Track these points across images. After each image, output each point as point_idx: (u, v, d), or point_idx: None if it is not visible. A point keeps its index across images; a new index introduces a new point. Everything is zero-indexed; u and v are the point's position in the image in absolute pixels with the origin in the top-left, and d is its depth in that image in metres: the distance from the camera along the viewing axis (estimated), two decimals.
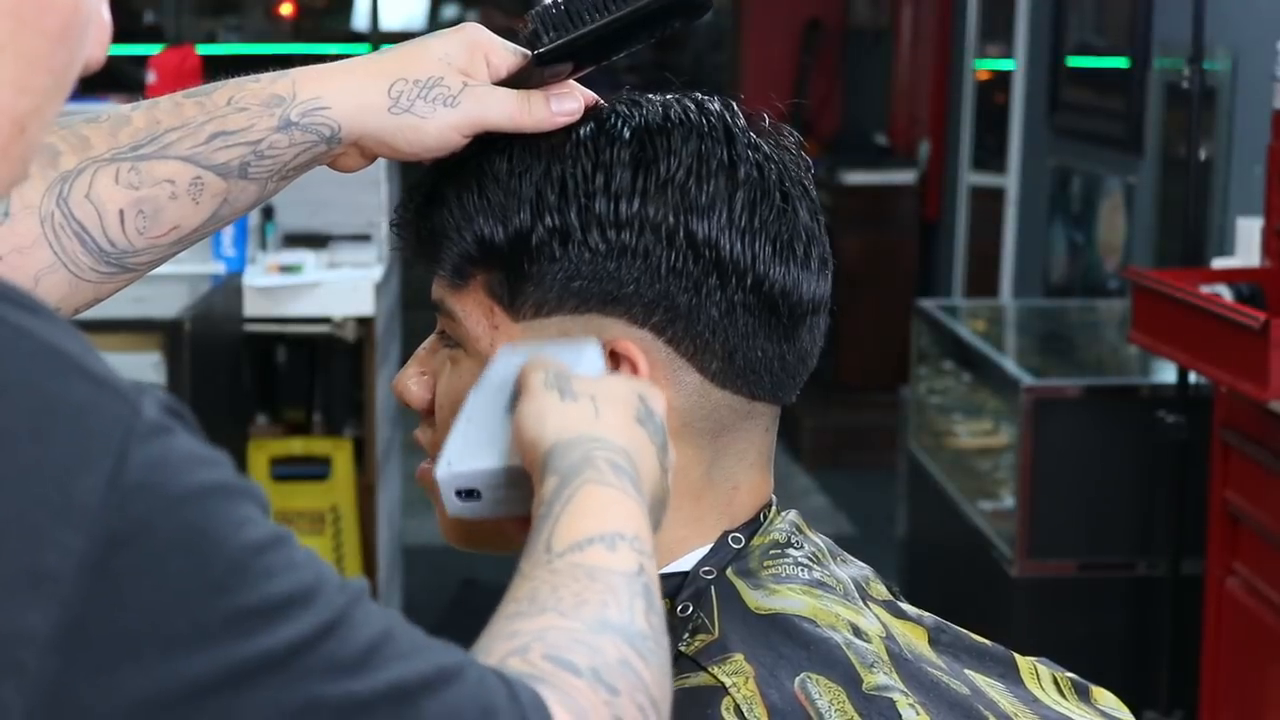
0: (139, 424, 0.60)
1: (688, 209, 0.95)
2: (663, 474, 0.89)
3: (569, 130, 0.98)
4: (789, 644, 0.94)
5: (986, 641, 1.08)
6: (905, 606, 1.06)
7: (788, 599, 0.97)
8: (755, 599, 0.97)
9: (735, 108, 1.02)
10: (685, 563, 0.99)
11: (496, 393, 0.94)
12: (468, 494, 0.91)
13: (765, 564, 0.99)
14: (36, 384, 0.59)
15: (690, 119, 0.99)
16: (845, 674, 0.93)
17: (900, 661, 0.98)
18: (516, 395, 0.91)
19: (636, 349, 0.96)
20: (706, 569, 0.99)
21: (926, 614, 1.07)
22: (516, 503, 0.91)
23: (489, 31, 1.01)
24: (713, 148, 0.97)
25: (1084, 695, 1.09)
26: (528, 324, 0.97)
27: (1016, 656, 1.08)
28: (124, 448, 0.59)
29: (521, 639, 0.74)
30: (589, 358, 0.94)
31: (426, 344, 1.04)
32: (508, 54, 1.00)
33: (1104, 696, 1.10)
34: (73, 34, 0.69)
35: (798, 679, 0.92)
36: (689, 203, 0.95)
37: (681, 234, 0.95)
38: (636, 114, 0.99)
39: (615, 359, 0.96)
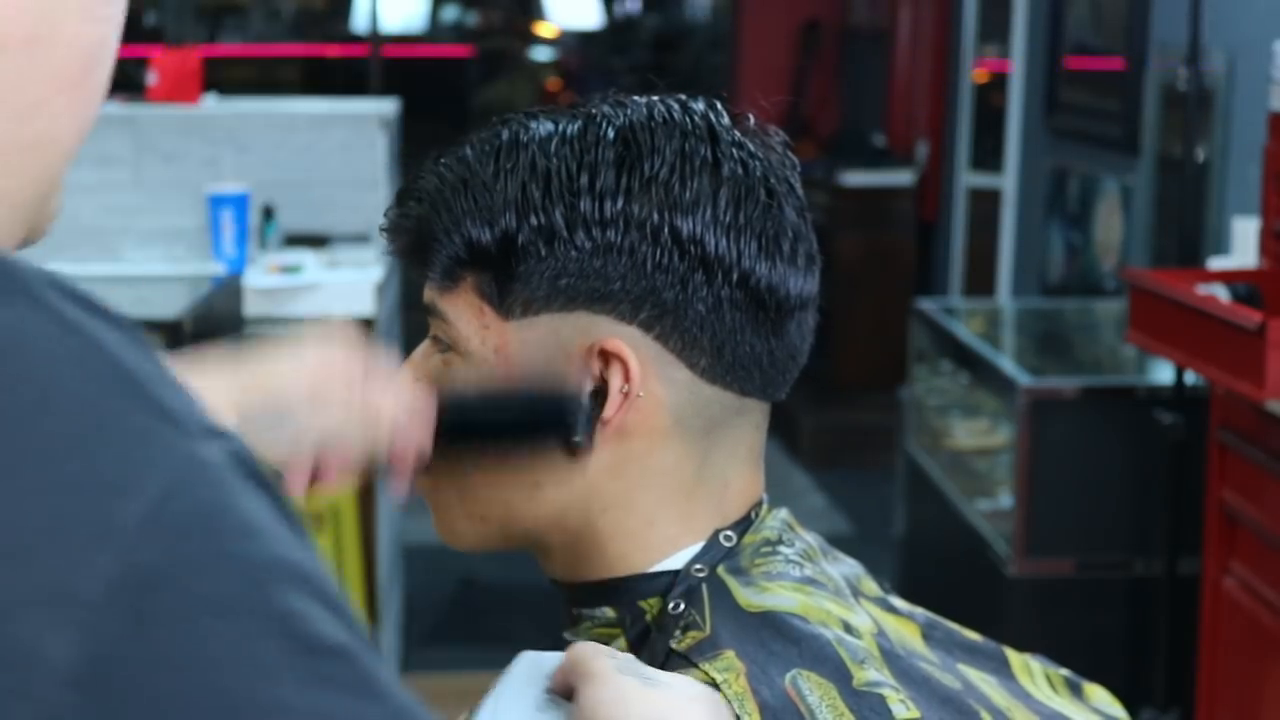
0: (195, 464, 0.54)
1: (672, 206, 0.96)
2: None
3: (554, 131, 0.99)
4: (780, 641, 0.95)
5: (978, 637, 1.09)
6: (897, 603, 1.07)
7: (779, 596, 0.97)
8: (746, 596, 0.97)
9: (720, 107, 1.03)
10: (677, 560, 1.00)
11: (523, 688, 0.90)
12: None
13: (756, 562, 1.00)
14: (92, 399, 0.54)
15: (674, 118, 1.00)
16: (836, 670, 0.94)
17: (892, 658, 0.99)
18: (559, 691, 0.89)
19: (625, 346, 0.97)
20: (698, 567, 0.99)
21: (918, 610, 1.08)
22: None
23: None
24: (696, 146, 0.98)
25: (1076, 692, 1.10)
26: (517, 322, 0.98)
27: (1008, 652, 1.09)
28: (174, 483, 0.54)
29: None
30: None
31: (420, 350, 1.05)
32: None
33: (1096, 693, 1.11)
34: None
35: (789, 675, 0.93)
36: (673, 200, 0.96)
37: (666, 231, 0.96)
38: (621, 114, 1.00)
39: (605, 357, 0.97)
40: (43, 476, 0.52)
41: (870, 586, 1.07)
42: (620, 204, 0.96)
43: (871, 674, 0.94)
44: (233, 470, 0.55)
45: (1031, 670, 1.09)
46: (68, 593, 0.51)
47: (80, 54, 0.64)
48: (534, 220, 0.97)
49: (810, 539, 1.05)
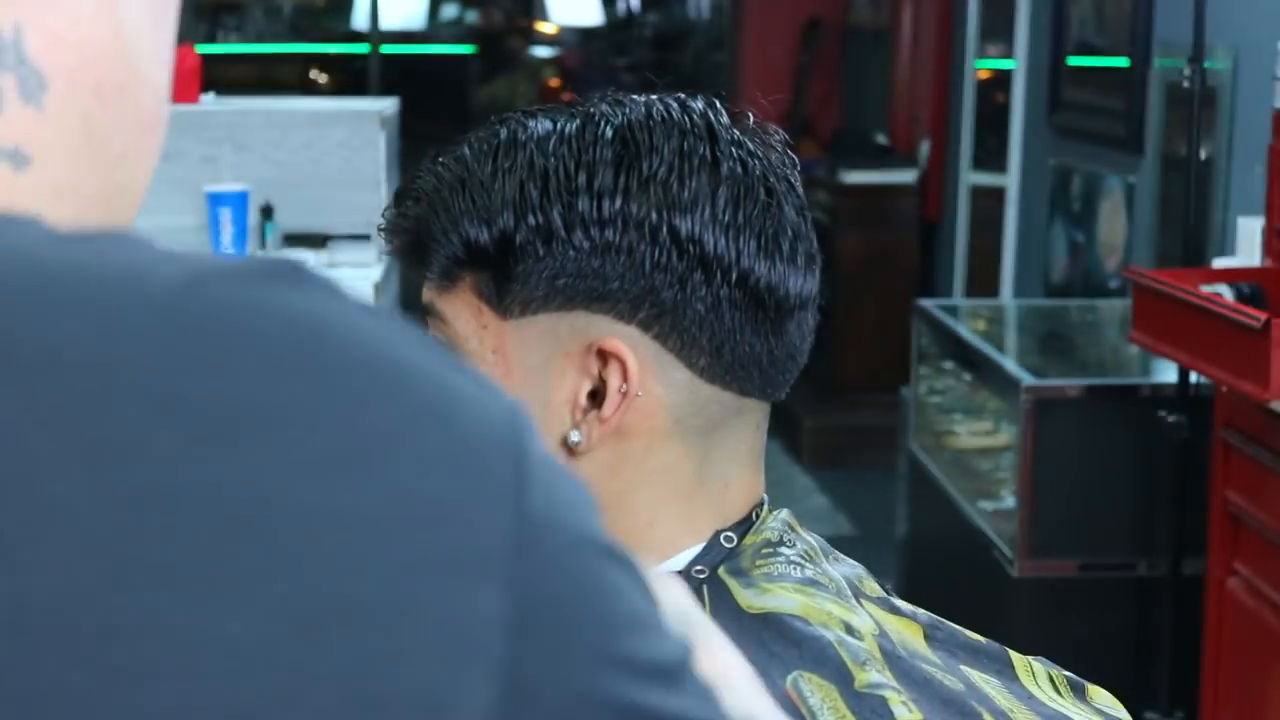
0: (523, 417, 0.59)
1: (670, 205, 0.96)
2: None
3: (552, 130, 0.99)
4: (781, 643, 0.95)
5: (981, 638, 1.08)
6: (899, 603, 1.07)
7: (780, 598, 0.97)
8: (747, 598, 0.97)
9: (719, 106, 1.02)
10: (677, 562, 1.00)
11: None
12: None
13: (757, 563, 1.00)
14: (434, 373, 0.57)
15: (673, 117, 0.99)
16: (837, 672, 0.94)
17: (893, 659, 0.98)
18: None
19: (624, 346, 0.96)
20: (699, 568, 0.99)
21: (920, 611, 1.07)
22: None
23: None
24: (695, 145, 0.98)
25: (1080, 693, 1.09)
26: (515, 322, 0.98)
27: (1011, 653, 1.08)
28: (520, 436, 0.58)
29: None
30: None
31: None
32: None
33: (1100, 694, 1.10)
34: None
35: (790, 677, 0.93)
36: (671, 199, 0.96)
37: (665, 230, 0.96)
38: (619, 113, 1.00)
39: (603, 356, 0.97)
40: (426, 446, 0.55)
41: (872, 587, 1.07)
42: (618, 203, 0.96)
43: (873, 676, 0.94)
44: (532, 420, 0.60)
45: (1035, 672, 1.08)
46: (478, 550, 0.55)
47: (155, 98, 0.66)
48: (532, 220, 0.96)
49: (811, 540, 1.05)
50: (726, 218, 0.97)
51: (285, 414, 0.54)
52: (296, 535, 0.53)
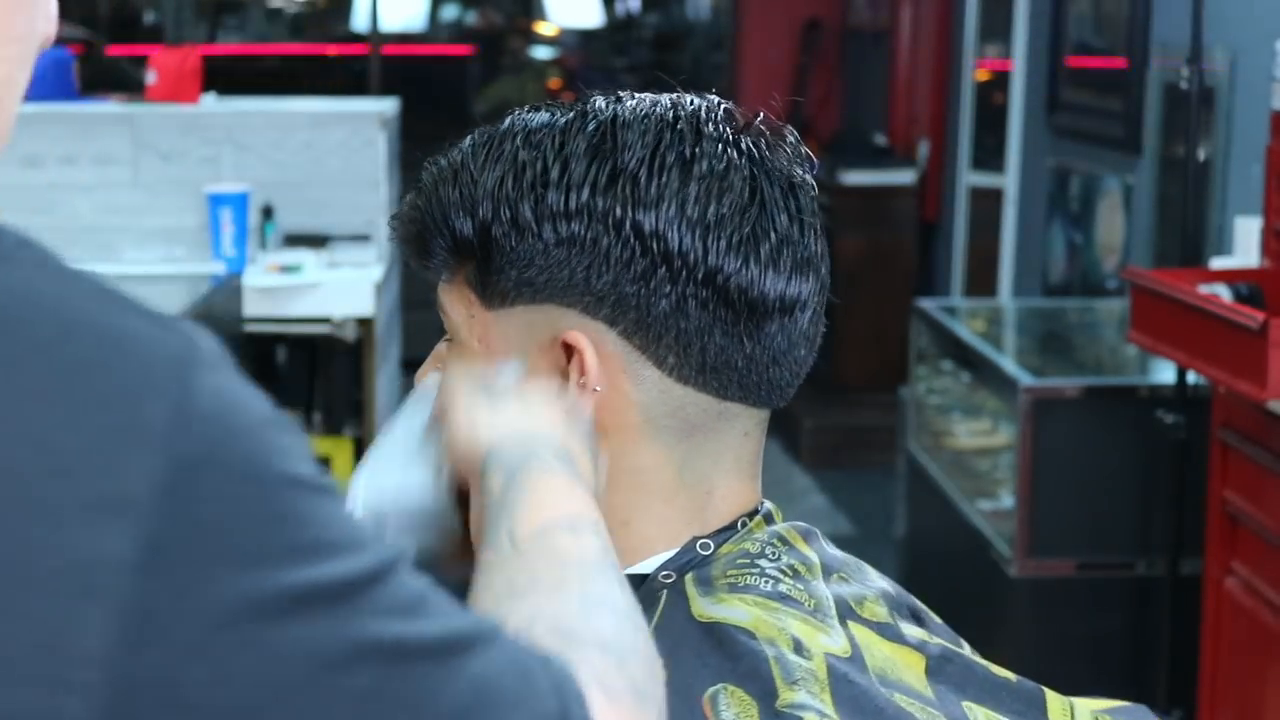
0: (199, 354, 0.62)
1: (636, 201, 0.96)
2: (593, 470, 0.92)
3: (543, 124, 1.00)
4: (718, 654, 0.93)
5: (1012, 676, 1.04)
6: (909, 632, 1.02)
7: (733, 609, 0.95)
8: (701, 606, 0.95)
9: (718, 105, 1.02)
10: (648, 565, 0.99)
11: (413, 412, 0.98)
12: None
13: (728, 573, 0.98)
14: (99, 320, 0.61)
15: (658, 114, 0.99)
16: (762, 688, 0.91)
17: (841, 683, 0.94)
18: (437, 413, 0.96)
19: (585, 340, 0.96)
20: (666, 574, 0.98)
21: (936, 643, 1.03)
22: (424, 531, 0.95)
23: None
24: (673, 142, 0.97)
25: None
26: (496, 313, 0.99)
27: (1049, 694, 1.04)
28: (187, 376, 0.61)
29: (519, 619, 0.75)
30: (510, 371, 0.97)
31: (441, 342, 1.06)
32: None
33: None
34: None
35: (712, 690, 0.91)
36: (638, 195, 0.96)
37: (628, 225, 0.95)
38: (610, 109, 1.00)
39: (568, 349, 0.97)
40: (77, 397, 0.59)
41: (876, 611, 1.02)
42: (584, 197, 0.96)
43: (799, 696, 0.91)
44: (215, 353, 0.63)
45: (1074, 714, 1.04)
46: (115, 495, 0.58)
47: None
48: (505, 212, 0.97)
49: (813, 556, 1.01)
50: (696, 215, 0.96)
51: None
52: None
